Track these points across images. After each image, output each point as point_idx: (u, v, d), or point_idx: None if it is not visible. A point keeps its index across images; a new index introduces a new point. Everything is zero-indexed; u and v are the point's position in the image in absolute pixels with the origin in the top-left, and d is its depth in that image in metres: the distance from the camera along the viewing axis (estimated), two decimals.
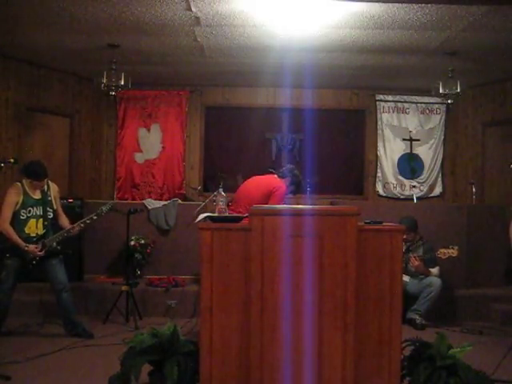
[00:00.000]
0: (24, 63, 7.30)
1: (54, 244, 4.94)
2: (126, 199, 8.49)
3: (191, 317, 5.63)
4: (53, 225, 5.05)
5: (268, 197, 4.66)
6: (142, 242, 6.31)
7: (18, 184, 4.91)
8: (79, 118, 8.29)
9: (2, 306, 4.85)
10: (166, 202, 6.80)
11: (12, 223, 4.84)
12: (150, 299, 5.94)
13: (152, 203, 6.73)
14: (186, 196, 8.45)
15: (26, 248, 4.79)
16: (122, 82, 6.66)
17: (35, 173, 4.88)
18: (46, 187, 5.02)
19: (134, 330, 5.13)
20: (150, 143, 8.74)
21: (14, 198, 4.83)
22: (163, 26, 5.71)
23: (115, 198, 8.60)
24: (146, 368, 3.39)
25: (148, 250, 6.35)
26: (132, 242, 6.17)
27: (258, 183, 4.90)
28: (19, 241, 4.80)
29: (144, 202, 6.79)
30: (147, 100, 8.71)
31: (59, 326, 5.35)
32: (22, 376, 3.94)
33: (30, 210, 4.89)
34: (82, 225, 5.09)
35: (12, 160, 4.55)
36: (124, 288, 5.54)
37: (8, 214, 4.80)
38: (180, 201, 7.03)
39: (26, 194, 4.88)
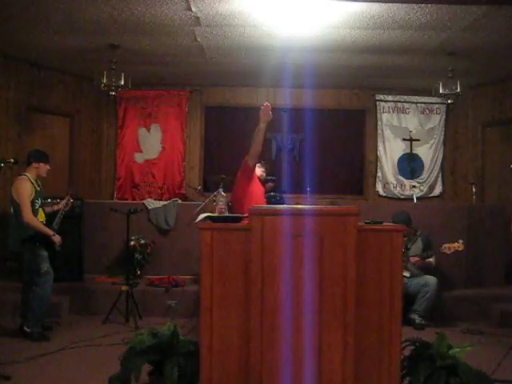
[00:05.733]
0: (24, 63, 7.30)
1: (56, 227, 5.11)
2: (126, 199, 8.49)
3: (191, 317, 5.63)
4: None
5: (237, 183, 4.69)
6: (142, 242, 6.30)
7: (26, 176, 4.97)
8: (79, 118, 8.29)
9: (49, 297, 4.98)
10: (165, 202, 6.81)
11: None
12: (150, 299, 5.95)
13: (152, 203, 6.73)
14: (186, 196, 8.45)
15: (54, 236, 4.93)
16: (122, 82, 6.67)
17: (45, 156, 5.12)
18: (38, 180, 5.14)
19: (134, 330, 5.12)
20: (149, 143, 8.74)
21: (29, 189, 4.91)
22: (163, 25, 5.71)
23: (115, 198, 8.61)
24: (146, 368, 3.39)
25: (148, 250, 6.35)
26: (132, 242, 6.17)
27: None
28: (47, 229, 4.93)
29: (144, 202, 6.79)
30: (147, 100, 8.71)
31: (59, 325, 5.37)
32: (22, 376, 3.95)
33: (38, 199, 5.01)
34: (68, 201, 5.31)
35: (12, 160, 4.56)
36: (124, 288, 5.55)
37: (29, 205, 4.87)
38: (180, 201, 7.04)
39: (33, 184, 4.98)
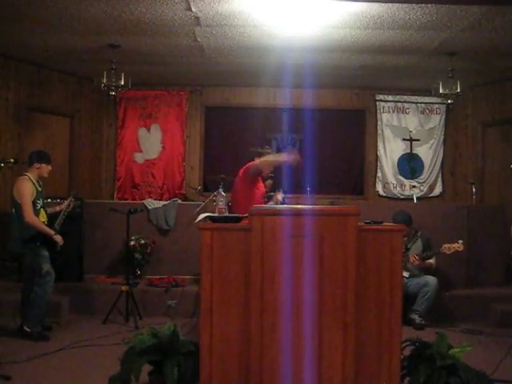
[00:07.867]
0: (24, 63, 7.30)
1: (58, 228, 5.10)
2: (126, 199, 8.49)
3: (191, 317, 5.63)
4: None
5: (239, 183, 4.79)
6: (142, 242, 6.30)
7: (27, 176, 4.96)
8: (79, 118, 8.29)
9: (49, 297, 4.99)
10: (166, 202, 6.80)
11: None
12: (150, 299, 5.94)
13: (152, 203, 6.73)
14: (186, 196, 8.45)
15: (55, 236, 4.93)
16: (122, 82, 6.66)
17: (47, 156, 5.10)
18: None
19: (134, 330, 5.12)
20: (149, 143, 8.74)
21: (30, 189, 4.90)
22: (163, 25, 5.71)
23: (115, 197, 8.61)
24: (146, 368, 3.39)
25: (148, 250, 6.35)
26: (132, 242, 6.17)
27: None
28: (48, 229, 4.93)
29: (144, 202, 6.79)
30: (147, 100, 8.71)
31: (59, 325, 5.37)
32: (22, 376, 3.94)
33: (40, 200, 5.00)
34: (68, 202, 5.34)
35: (12, 160, 4.56)
36: (124, 288, 5.55)
37: (31, 205, 4.86)
38: (180, 201, 7.03)
39: (34, 185, 4.97)
